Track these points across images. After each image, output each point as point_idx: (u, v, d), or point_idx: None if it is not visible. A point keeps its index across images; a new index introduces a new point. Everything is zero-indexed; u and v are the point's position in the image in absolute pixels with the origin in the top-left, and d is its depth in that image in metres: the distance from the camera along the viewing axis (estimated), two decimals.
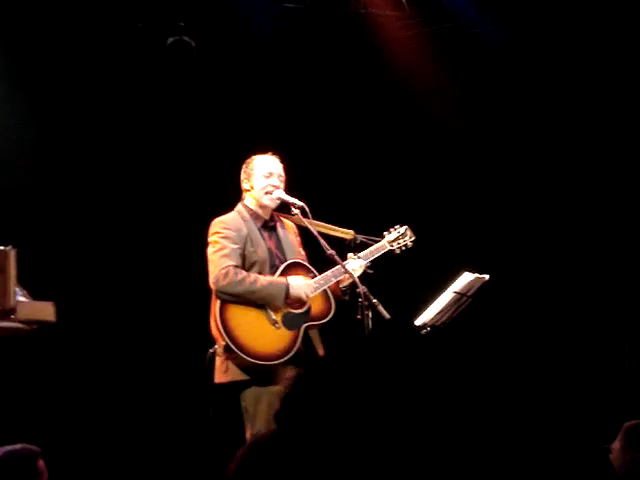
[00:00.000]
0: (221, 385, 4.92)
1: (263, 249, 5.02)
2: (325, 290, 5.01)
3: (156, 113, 7.01)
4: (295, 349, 4.85)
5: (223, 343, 4.79)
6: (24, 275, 4.04)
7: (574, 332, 7.28)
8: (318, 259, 5.09)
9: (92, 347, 6.66)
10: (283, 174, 5.15)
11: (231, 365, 4.85)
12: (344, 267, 4.93)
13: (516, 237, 7.51)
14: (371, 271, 5.16)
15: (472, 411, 7.06)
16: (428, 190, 7.48)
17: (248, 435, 4.84)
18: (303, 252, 5.19)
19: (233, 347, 4.75)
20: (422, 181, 7.53)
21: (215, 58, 7.13)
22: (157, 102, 7.00)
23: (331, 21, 7.35)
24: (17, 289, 4.03)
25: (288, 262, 5.03)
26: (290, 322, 4.91)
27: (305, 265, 5.08)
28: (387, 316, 4.72)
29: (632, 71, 7.23)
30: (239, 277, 4.84)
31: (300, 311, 4.94)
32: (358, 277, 5.02)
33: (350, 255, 5.14)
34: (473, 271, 5.39)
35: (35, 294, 4.15)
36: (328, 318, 5.01)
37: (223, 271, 4.85)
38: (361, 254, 5.17)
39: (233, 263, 4.89)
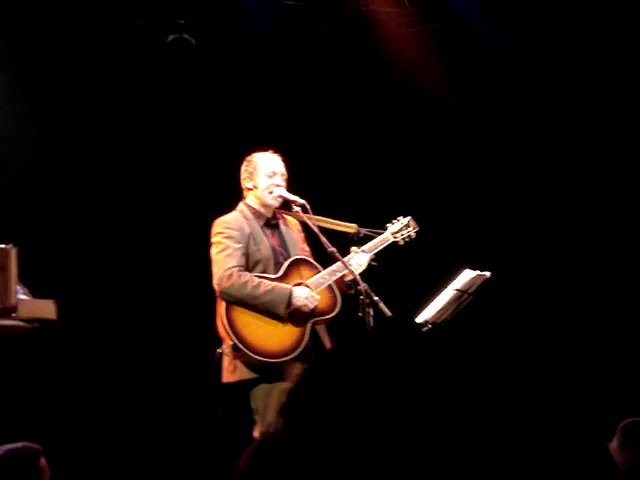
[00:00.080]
0: (229, 385, 4.91)
1: (266, 247, 5.01)
2: (330, 285, 5.00)
3: (156, 111, 7.00)
4: (303, 345, 4.85)
5: (230, 342, 4.79)
6: (25, 273, 4.04)
7: (575, 328, 7.27)
8: (321, 256, 5.08)
9: (95, 346, 6.66)
10: (285, 172, 5.14)
11: (239, 364, 4.85)
12: (346, 265, 4.92)
13: (517, 234, 7.50)
14: (375, 263, 5.14)
15: (473, 407, 7.06)
16: (429, 187, 7.47)
17: (257, 433, 4.84)
18: (307, 248, 5.18)
19: (240, 346, 4.75)
20: (423, 178, 7.52)
21: (215, 56, 7.13)
22: (157, 100, 6.99)
23: (332, 18, 7.34)
24: (18, 287, 4.04)
25: (292, 259, 5.02)
26: (297, 318, 4.90)
27: (309, 261, 5.07)
28: (388, 313, 4.72)
29: (633, 68, 7.22)
30: (243, 280, 4.83)
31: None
32: (363, 270, 5.02)
33: (353, 249, 5.12)
34: (474, 268, 5.39)
35: (36, 292, 4.15)
36: (334, 313, 5.00)
37: (227, 272, 4.84)
38: (365, 247, 5.16)
39: (237, 264, 4.88)
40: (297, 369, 4.80)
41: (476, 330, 6.97)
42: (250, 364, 4.81)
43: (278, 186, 5.06)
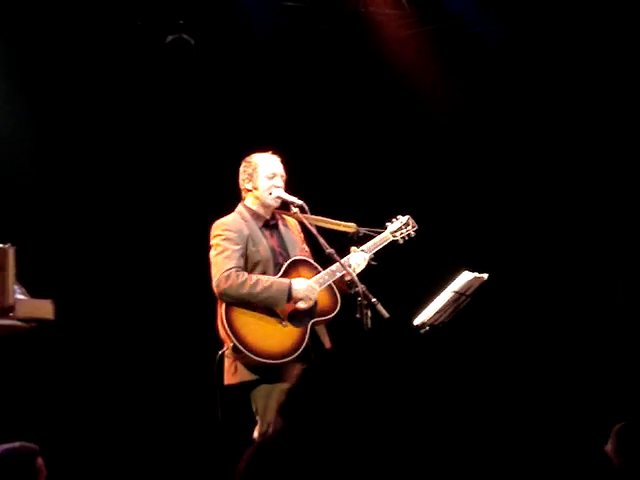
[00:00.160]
0: (231, 387, 4.91)
1: (265, 248, 5.01)
2: (330, 285, 5.00)
3: (155, 111, 7.01)
4: (303, 346, 4.85)
5: (231, 344, 4.79)
6: (23, 272, 4.03)
7: (572, 329, 7.27)
8: (320, 257, 5.08)
9: (93, 347, 6.66)
10: (284, 174, 5.15)
11: (240, 366, 4.86)
12: (344, 266, 4.92)
13: (515, 236, 7.50)
14: (375, 263, 5.14)
15: (471, 408, 7.06)
16: (427, 188, 7.47)
17: (257, 434, 4.84)
18: (307, 248, 5.18)
19: (241, 348, 4.75)
20: (421, 180, 7.53)
21: (214, 56, 7.13)
22: (156, 100, 7.00)
23: (331, 19, 7.35)
24: (16, 287, 4.03)
25: (291, 260, 5.02)
26: (297, 319, 4.90)
27: (309, 262, 5.07)
28: (386, 315, 4.72)
29: (631, 70, 7.23)
30: (240, 280, 4.83)
31: (306, 307, 4.93)
32: (362, 270, 5.02)
33: (353, 248, 5.13)
34: (472, 270, 5.39)
35: (34, 292, 4.15)
36: (334, 313, 5.00)
37: (225, 274, 4.84)
38: (364, 247, 5.16)
39: (235, 265, 4.88)
40: (297, 370, 4.80)
41: (474, 332, 6.97)
42: (250, 365, 4.81)
43: (277, 187, 5.07)
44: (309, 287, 4.90)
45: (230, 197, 5.23)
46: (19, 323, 4.04)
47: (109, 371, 6.69)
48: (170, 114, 7.03)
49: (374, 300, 4.75)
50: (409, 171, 7.56)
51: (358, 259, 5.07)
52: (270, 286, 4.85)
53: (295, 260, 5.03)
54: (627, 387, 6.97)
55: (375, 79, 7.52)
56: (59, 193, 6.68)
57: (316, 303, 4.96)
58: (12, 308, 3.95)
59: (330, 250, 4.93)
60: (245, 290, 4.81)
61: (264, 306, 4.84)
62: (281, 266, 4.99)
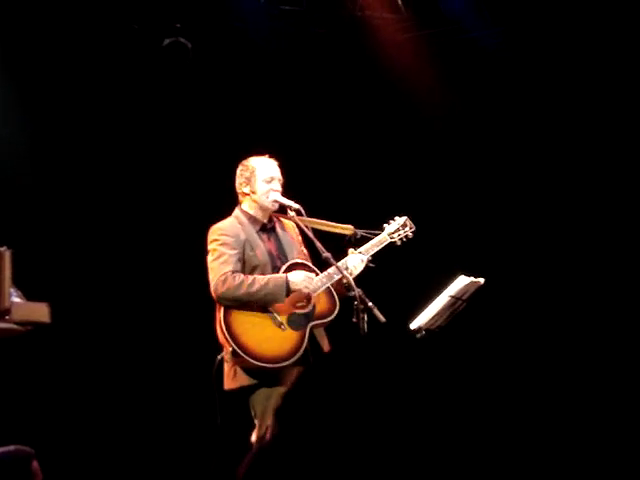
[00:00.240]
0: (230, 391, 4.91)
1: (262, 252, 5.01)
2: (328, 288, 5.00)
3: (152, 114, 7.01)
4: (302, 349, 4.85)
5: (230, 349, 4.79)
6: (19, 276, 4.03)
7: (569, 334, 7.27)
8: (318, 260, 5.07)
9: (90, 351, 6.65)
10: (281, 177, 5.15)
11: (239, 370, 4.86)
12: (341, 270, 4.92)
13: (511, 240, 7.51)
14: (373, 265, 5.14)
15: (467, 413, 7.06)
16: (423, 192, 7.48)
17: (254, 438, 4.83)
18: (306, 251, 5.18)
19: (240, 352, 4.75)
20: (417, 183, 7.53)
21: (211, 60, 7.13)
22: (153, 103, 7.00)
23: (328, 23, 7.36)
24: (12, 290, 4.02)
25: (289, 263, 5.02)
26: (296, 323, 4.90)
27: (307, 265, 5.07)
28: (382, 319, 4.71)
29: (628, 75, 7.24)
30: (237, 281, 4.83)
31: (305, 311, 4.94)
32: (360, 272, 5.02)
33: (350, 250, 5.13)
34: (468, 274, 5.39)
35: (30, 295, 4.14)
36: (333, 316, 5.00)
37: (222, 278, 4.84)
38: (362, 248, 5.16)
39: (231, 269, 4.88)
40: (294, 374, 4.81)
41: (470, 336, 6.97)
42: (250, 370, 4.81)
43: (275, 191, 5.07)
44: (306, 277, 4.92)
45: (227, 200, 5.23)
46: (15, 326, 4.03)
47: (107, 376, 6.68)
48: (167, 117, 7.03)
49: (370, 304, 4.74)
50: (405, 175, 7.57)
51: (356, 261, 5.07)
52: (267, 283, 4.85)
53: (293, 263, 5.04)
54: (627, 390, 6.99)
55: (372, 83, 7.53)
56: (56, 196, 6.68)
57: (315, 306, 4.96)
58: (8, 311, 3.94)
59: (327, 254, 4.93)
60: (243, 291, 4.82)
61: (264, 304, 4.84)
62: (279, 269, 4.99)
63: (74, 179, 6.77)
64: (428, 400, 7.02)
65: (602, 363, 7.15)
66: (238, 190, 5.15)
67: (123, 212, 6.89)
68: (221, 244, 4.94)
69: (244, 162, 5.17)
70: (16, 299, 4.03)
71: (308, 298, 4.97)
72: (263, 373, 4.80)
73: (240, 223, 5.04)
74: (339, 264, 4.97)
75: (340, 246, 5.15)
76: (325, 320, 5.00)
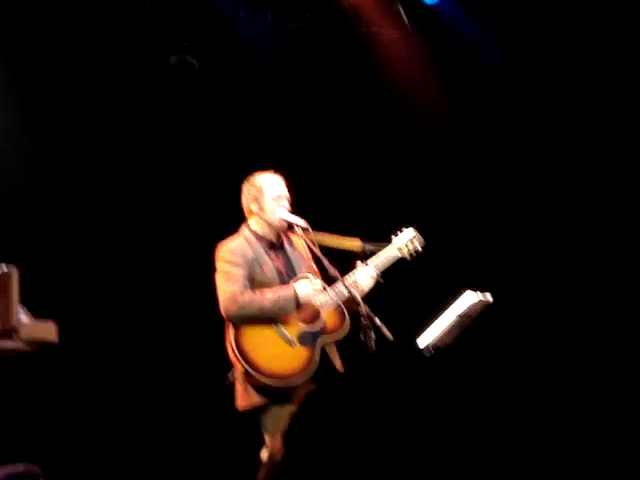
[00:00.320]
0: (242, 410, 4.90)
1: (270, 269, 5.01)
2: (339, 305, 5.00)
3: (159, 132, 7.02)
4: (313, 366, 4.84)
5: (240, 367, 4.79)
6: (26, 295, 4.03)
7: (578, 350, 7.26)
8: (327, 276, 5.06)
9: (98, 369, 6.63)
10: (288, 194, 5.15)
11: (250, 389, 4.85)
12: (349, 289, 4.90)
13: (519, 255, 7.50)
14: (382, 281, 5.13)
15: (477, 430, 7.05)
16: (428, 208, 7.46)
17: (265, 455, 4.82)
18: (315, 266, 5.17)
19: (251, 371, 4.75)
20: (424, 199, 7.53)
21: (218, 77, 7.15)
22: (160, 121, 7.01)
23: (333, 40, 7.38)
24: (19, 309, 4.03)
25: (296, 278, 5.02)
26: (306, 340, 4.90)
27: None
28: (390, 337, 4.70)
29: (633, 91, 7.25)
30: (247, 299, 4.84)
31: (315, 328, 4.93)
32: (370, 288, 5.01)
33: (358, 263, 5.11)
34: (476, 291, 5.37)
35: (37, 314, 4.14)
36: (343, 332, 4.99)
37: (231, 297, 4.85)
38: (370, 262, 5.12)
39: (240, 288, 4.88)
40: (305, 391, 4.80)
41: (478, 353, 6.96)
42: (260, 388, 4.80)
43: (282, 208, 5.07)
44: (311, 283, 4.93)
45: (234, 218, 5.22)
46: (22, 345, 4.04)
47: (117, 395, 6.66)
48: (174, 135, 7.04)
49: (378, 322, 4.73)
50: (411, 190, 7.57)
51: (365, 275, 5.04)
52: (277, 299, 4.86)
53: (300, 278, 5.03)
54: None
55: (377, 99, 7.55)
56: (63, 215, 6.69)
57: (325, 323, 4.95)
58: (15, 330, 3.94)
59: (334, 271, 4.92)
60: (254, 309, 4.83)
61: (275, 317, 4.85)
62: None
63: (82, 198, 6.78)
64: (436, 417, 7.02)
65: (615, 384, 7.13)
66: (245, 208, 5.14)
67: (131, 230, 6.90)
68: (229, 263, 4.94)
69: (250, 180, 5.16)
70: (23, 318, 4.04)
71: (317, 314, 4.96)
72: (274, 391, 4.80)
73: (248, 241, 5.04)
74: (347, 278, 4.96)
75: (348, 260, 5.13)
76: (335, 336, 4.99)
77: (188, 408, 6.77)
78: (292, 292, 4.90)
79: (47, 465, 4.11)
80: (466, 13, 7.39)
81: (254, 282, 4.95)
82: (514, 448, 6.98)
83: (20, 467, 3.92)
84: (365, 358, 4.63)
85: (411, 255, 5.27)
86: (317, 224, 5.08)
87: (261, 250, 5.03)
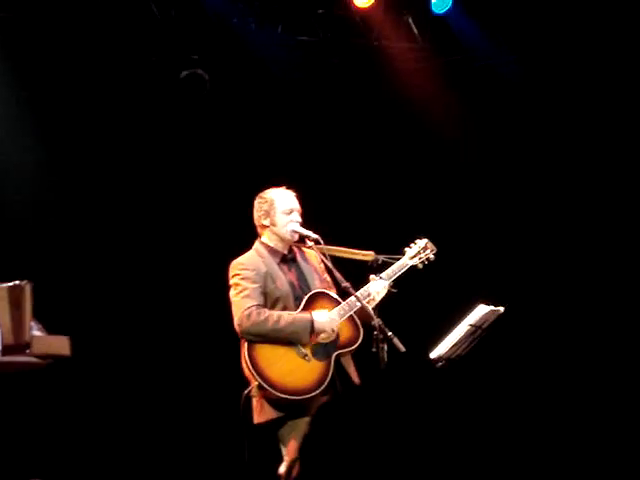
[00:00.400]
0: (259, 425, 4.89)
1: (283, 283, 5.00)
2: (351, 316, 4.98)
3: (170, 146, 7.04)
4: (328, 380, 4.83)
5: (256, 383, 4.78)
6: (39, 309, 4.04)
7: (590, 362, 7.23)
8: (338, 289, 5.05)
9: (112, 384, 6.64)
10: (300, 208, 5.14)
11: (266, 404, 4.84)
12: (360, 300, 4.90)
13: (531, 268, 7.48)
14: (395, 290, 5.11)
15: (488, 442, 7.03)
16: (443, 222, 7.46)
17: (283, 470, 4.81)
18: (329, 278, 5.16)
19: (265, 386, 4.74)
20: (437, 212, 7.52)
21: (228, 90, 7.17)
22: (171, 135, 7.03)
23: (345, 53, 7.39)
24: (32, 323, 4.03)
25: (310, 294, 5.00)
26: (320, 353, 4.88)
27: (328, 294, 5.04)
28: (402, 349, 4.69)
29: None
30: (262, 317, 4.83)
31: (329, 341, 4.92)
32: (383, 298, 5.00)
33: (372, 277, 5.10)
34: (488, 303, 5.36)
35: (51, 328, 4.15)
36: (357, 344, 4.98)
37: (246, 312, 4.84)
38: (383, 274, 5.12)
39: (255, 303, 4.88)
40: (321, 403, 4.80)
41: (489, 365, 6.94)
42: (276, 402, 4.80)
43: (294, 222, 5.06)
44: (330, 319, 4.90)
45: (247, 233, 5.21)
46: (35, 360, 4.05)
47: (132, 413, 6.67)
48: (185, 149, 7.06)
49: (390, 334, 4.72)
50: (424, 202, 7.56)
51: (377, 287, 5.04)
52: (292, 322, 4.84)
53: (314, 293, 5.02)
54: None
55: (388, 111, 7.55)
56: (76, 228, 6.71)
57: (338, 335, 4.94)
58: (28, 345, 3.95)
59: (346, 284, 4.91)
60: (268, 327, 4.81)
61: (287, 341, 4.84)
62: (301, 300, 4.98)
63: (95, 213, 6.80)
64: (448, 429, 7.00)
65: (626, 394, 7.11)
66: (257, 223, 5.13)
67: (145, 248, 6.91)
68: (243, 278, 4.93)
69: (262, 194, 5.16)
70: (36, 332, 4.05)
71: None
72: (290, 405, 4.79)
73: (260, 256, 5.03)
74: (361, 291, 4.96)
75: (361, 273, 5.13)
76: (350, 348, 4.97)
77: (206, 424, 6.77)
78: (309, 317, 4.89)
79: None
80: (476, 23, 7.38)
81: (267, 296, 4.94)
82: (525, 458, 6.96)
83: None
84: (377, 370, 4.62)
85: (423, 263, 5.27)
86: (330, 237, 5.08)
87: (274, 264, 5.02)
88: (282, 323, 4.81)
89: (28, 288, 3.97)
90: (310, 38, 7.22)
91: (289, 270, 5.07)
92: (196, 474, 6.80)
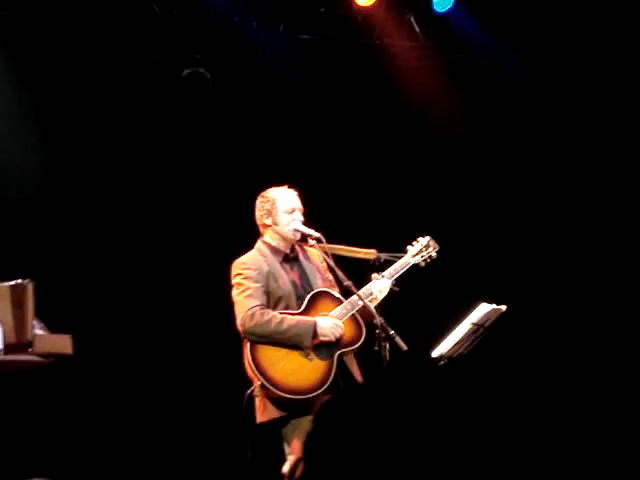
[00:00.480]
0: (262, 424, 4.89)
1: (286, 282, 4.99)
2: (354, 315, 4.98)
3: (172, 145, 7.05)
4: (331, 378, 4.83)
5: (259, 383, 4.78)
6: (41, 307, 4.05)
7: (592, 362, 7.23)
8: (340, 288, 5.05)
9: (114, 383, 6.65)
10: (302, 207, 5.14)
11: (269, 403, 4.84)
12: (362, 299, 4.90)
13: (533, 267, 7.48)
14: (397, 289, 5.11)
15: (490, 440, 7.03)
16: (442, 219, 7.46)
17: (286, 469, 4.81)
18: (331, 277, 5.15)
19: (269, 386, 4.74)
20: (438, 210, 7.52)
21: (231, 89, 7.17)
22: (173, 134, 7.04)
23: (346, 52, 7.40)
24: (35, 322, 4.04)
25: (312, 293, 4.99)
26: (323, 352, 4.88)
27: (331, 293, 5.04)
28: (404, 348, 4.69)
29: None
30: (266, 318, 4.82)
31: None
32: (385, 296, 4.99)
33: (374, 275, 5.09)
34: (490, 301, 5.36)
35: (53, 327, 4.15)
36: (360, 343, 4.97)
37: (249, 312, 4.83)
38: (385, 273, 5.11)
39: (258, 303, 4.87)
40: (324, 401, 4.80)
41: (492, 364, 6.94)
42: (279, 402, 4.80)
43: (296, 221, 5.05)
44: (334, 325, 4.89)
45: (249, 232, 5.21)
46: (38, 358, 4.05)
47: (134, 411, 6.67)
48: (186, 148, 7.06)
49: (392, 332, 4.72)
50: (426, 201, 7.57)
51: (380, 286, 5.03)
52: (296, 324, 4.84)
53: (316, 293, 5.01)
54: None
55: (390, 110, 7.56)
56: (79, 228, 6.72)
57: (341, 335, 4.94)
58: (31, 343, 3.96)
59: (348, 282, 4.90)
60: (271, 328, 4.80)
61: (289, 343, 4.83)
62: (303, 299, 4.97)
63: (96, 212, 6.81)
64: (450, 427, 7.00)
65: (630, 395, 7.11)
66: (259, 222, 5.13)
67: (147, 247, 6.92)
68: (245, 278, 4.93)
69: (263, 194, 5.15)
70: (39, 331, 4.05)
71: None
72: (293, 405, 4.79)
73: (263, 255, 5.03)
74: (363, 290, 4.95)
75: (363, 271, 5.12)
76: (352, 347, 4.97)
77: (209, 424, 6.77)
78: (312, 322, 4.88)
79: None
80: (478, 21, 7.38)
81: (270, 295, 4.94)
82: (528, 458, 6.96)
83: None
84: (380, 369, 4.62)
85: (426, 262, 5.26)
86: (332, 236, 5.08)
87: (276, 263, 5.02)
88: (285, 325, 4.80)
89: (30, 287, 3.97)
90: (312, 37, 7.22)
91: (291, 269, 5.06)
92: (199, 474, 6.80)
